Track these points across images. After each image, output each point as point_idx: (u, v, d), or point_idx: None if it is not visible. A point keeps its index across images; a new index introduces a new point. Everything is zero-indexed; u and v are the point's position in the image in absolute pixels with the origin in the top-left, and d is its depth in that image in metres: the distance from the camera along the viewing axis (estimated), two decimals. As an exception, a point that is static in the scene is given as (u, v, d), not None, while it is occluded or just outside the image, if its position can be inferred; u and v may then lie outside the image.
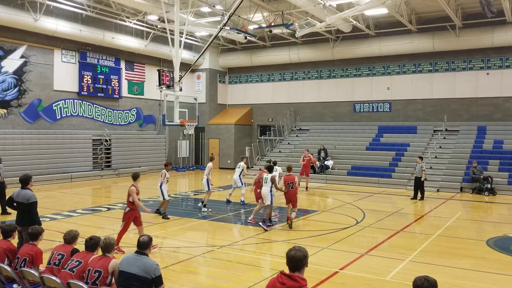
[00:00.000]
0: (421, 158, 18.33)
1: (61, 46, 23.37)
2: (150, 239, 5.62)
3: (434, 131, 25.55)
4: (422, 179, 17.81)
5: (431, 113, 26.26)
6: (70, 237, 6.29)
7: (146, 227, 12.27)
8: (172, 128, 28.71)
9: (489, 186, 19.53)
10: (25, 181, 8.30)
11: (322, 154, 24.95)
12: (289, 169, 12.97)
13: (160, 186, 13.79)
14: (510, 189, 19.85)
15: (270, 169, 12.88)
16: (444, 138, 24.64)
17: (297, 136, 29.42)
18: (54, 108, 23.27)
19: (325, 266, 8.85)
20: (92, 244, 5.95)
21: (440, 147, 23.87)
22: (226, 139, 31.16)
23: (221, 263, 9.21)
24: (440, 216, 14.96)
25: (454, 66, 25.68)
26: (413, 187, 18.57)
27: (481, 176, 19.84)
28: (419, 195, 17.99)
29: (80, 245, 6.35)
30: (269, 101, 31.67)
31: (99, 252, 5.87)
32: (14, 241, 6.86)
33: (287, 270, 3.91)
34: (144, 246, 5.51)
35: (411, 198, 18.13)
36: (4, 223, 7.16)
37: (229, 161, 30.90)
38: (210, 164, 15.53)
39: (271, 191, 12.38)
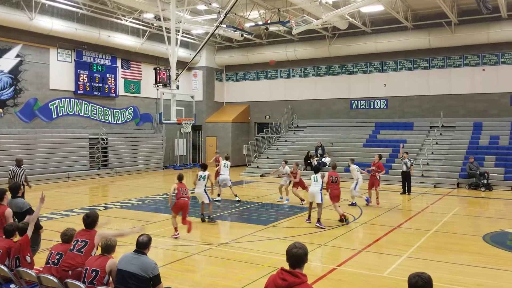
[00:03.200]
0: (407, 153, 19.07)
1: (56, 45, 23.30)
2: (150, 239, 5.62)
3: (431, 127, 25.61)
4: (412, 173, 18.70)
5: (427, 109, 26.32)
6: (68, 237, 6.27)
7: (147, 226, 12.27)
8: (169, 127, 28.68)
9: (485, 181, 19.61)
10: (15, 190, 8.19)
11: (319, 151, 25.00)
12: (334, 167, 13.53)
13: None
14: (506, 184, 19.93)
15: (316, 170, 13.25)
16: (441, 134, 24.70)
17: (294, 133, 29.44)
18: (50, 107, 23.20)
19: (322, 262, 8.88)
20: (90, 221, 6.15)
21: (437, 143, 23.94)
22: (224, 137, 31.15)
23: (219, 260, 9.23)
24: (437, 212, 15.02)
25: (450, 62, 25.73)
26: (401, 182, 18.94)
27: (478, 172, 19.92)
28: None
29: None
30: (266, 98, 31.68)
31: (100, 254, 5.88)
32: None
33: (286, 267, 3.93)
34: (143, 246, 5.52)
35: (401, 193, 18.51)
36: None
37: (226, 159, 30.86)
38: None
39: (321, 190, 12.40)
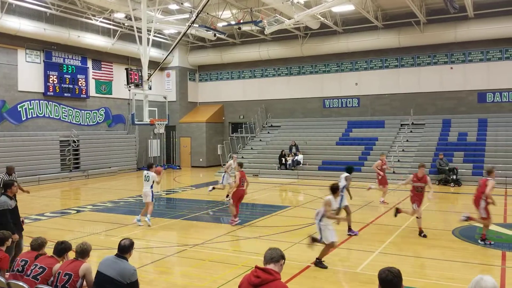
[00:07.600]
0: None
1: (25, 46, 22.73)
2: (132, 243, 5.57)
3: (401, 125, 26.11)
4: None
5: (398, 107, 26.82)
6: (37, 244, 6.10)
7: (121, 228, 12.13)
8: (142, 128, 28.36)
9: (454, 177, 20.14)
10: (5, 187, 8.03)
11: (293, 149, 25.19)
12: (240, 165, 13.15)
13: None
14: (474, 179, 20.35)
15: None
16: (411, 131, 25.22)
17: (268, 132, 29.56)
18: (19, 109, 22.63)
19: (297, 260, 8.96)
20: (61, 248, 5.83)
21: (407, 140, 24.43)
22: (198, 137, 31.02)
23: (194, 262, 9.21)
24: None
25: (419, 61, 26.29)
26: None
27: (447, 168, 20.42)
28: None
29: (49, 248, 6.22)
30: (240, 98, 31.69)
31: (68, 257, 5.78)
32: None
33: (260, 265, 4.02)
34: (124, 250, 5.46)
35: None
36: None
37: (201, 160, 30.79)
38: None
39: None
